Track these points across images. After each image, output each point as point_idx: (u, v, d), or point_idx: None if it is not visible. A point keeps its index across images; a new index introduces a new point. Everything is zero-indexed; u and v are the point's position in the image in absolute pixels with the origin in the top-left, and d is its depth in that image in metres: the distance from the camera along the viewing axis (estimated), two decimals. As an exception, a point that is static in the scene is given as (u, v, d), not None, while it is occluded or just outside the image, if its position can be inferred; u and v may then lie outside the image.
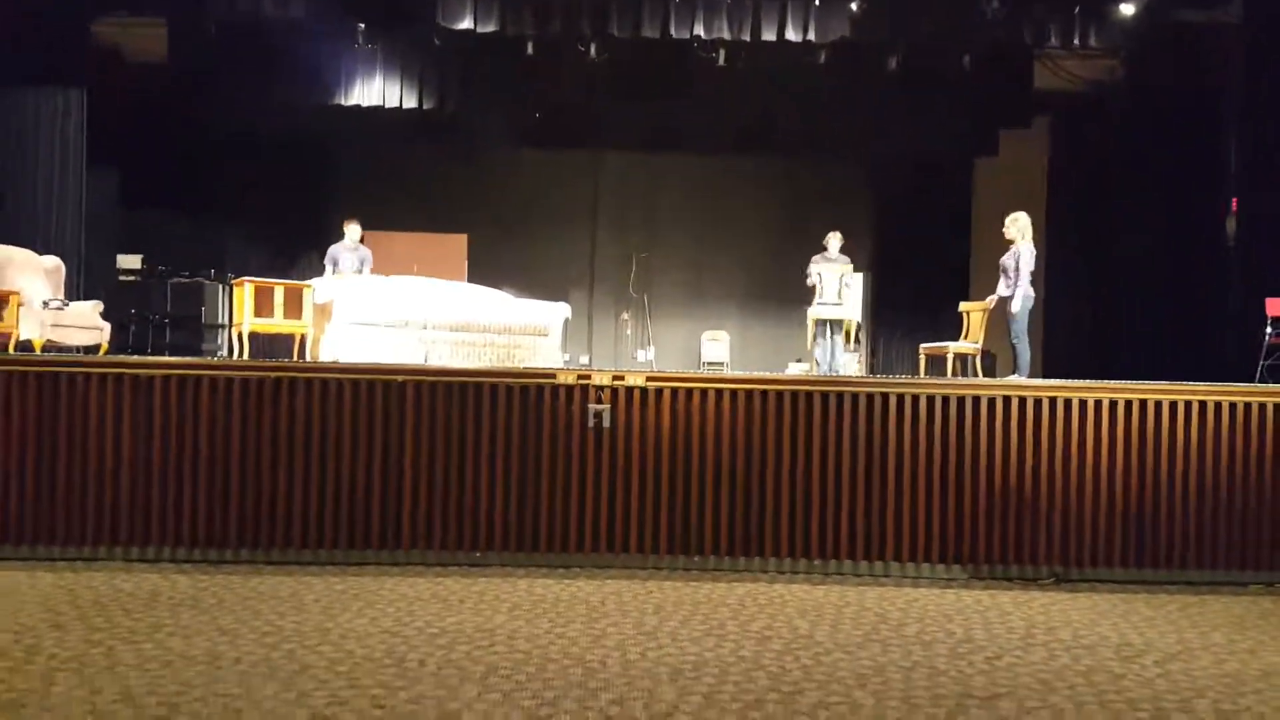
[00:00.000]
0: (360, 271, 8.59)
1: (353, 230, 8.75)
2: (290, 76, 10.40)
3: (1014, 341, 6.83)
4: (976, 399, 4.79)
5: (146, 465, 4.72)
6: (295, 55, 10.26)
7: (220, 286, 9.86)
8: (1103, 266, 11.02)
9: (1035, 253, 6.97)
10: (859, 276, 10.63)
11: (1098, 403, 4.76)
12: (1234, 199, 9.39)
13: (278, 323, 7.06)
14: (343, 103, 10.62)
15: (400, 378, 4.83)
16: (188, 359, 5.47)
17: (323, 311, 7.35)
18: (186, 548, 4.71)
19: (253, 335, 7.04)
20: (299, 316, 7.13)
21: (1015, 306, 6.80)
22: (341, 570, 4.60)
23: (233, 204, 11.26)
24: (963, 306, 7.79)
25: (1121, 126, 10.78)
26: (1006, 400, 4.78)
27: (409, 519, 4.77)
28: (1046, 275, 12.12)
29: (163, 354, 8.39)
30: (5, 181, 9.06)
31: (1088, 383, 4.89)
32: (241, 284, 7.10)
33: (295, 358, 7.05)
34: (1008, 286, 6.94)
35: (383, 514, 4.77)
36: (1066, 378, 5.47)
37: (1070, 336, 11.56)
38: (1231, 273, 9.18)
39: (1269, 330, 7.34)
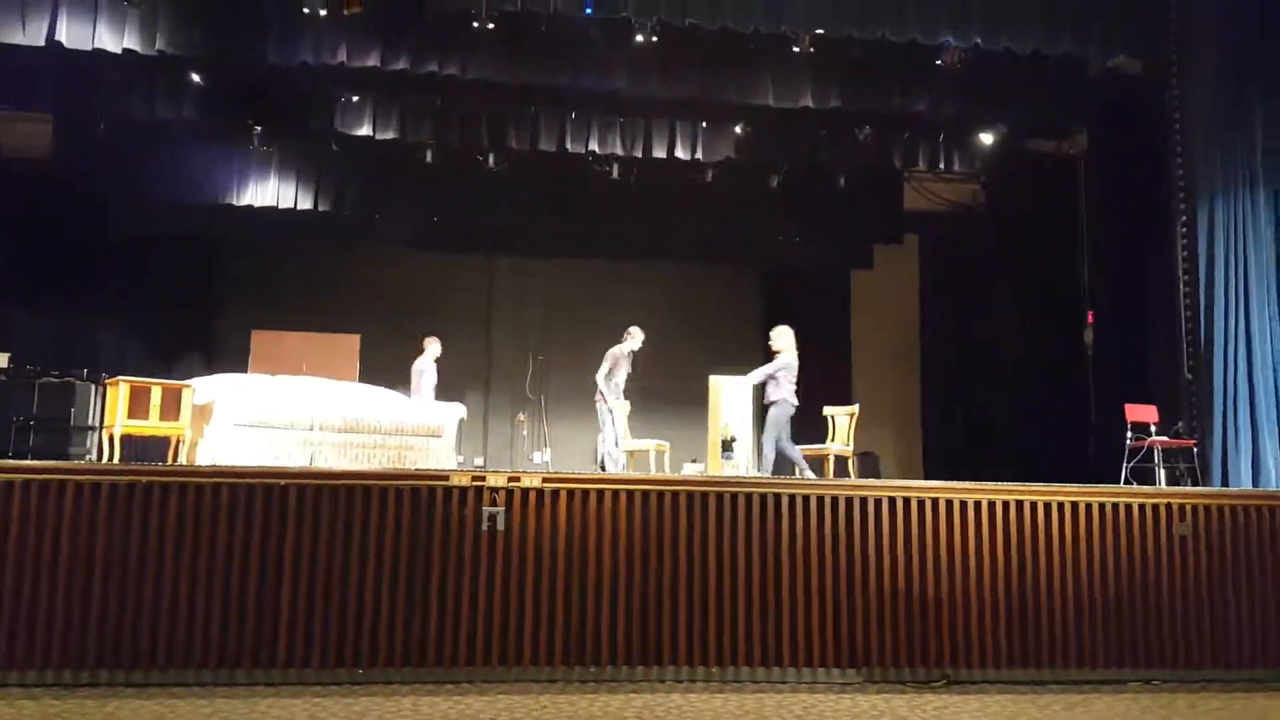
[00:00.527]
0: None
1: (434, 347, 9.11)
2: (181, 176, 10.19)
3: (763, 440, 7.28)
4: (864, 499, 4.92)
5: (-4, 579, 4.33)
6: (187, 155, 10.10)
7: (93, 387, 9.30)
8: (975, 374, 11.67)
9: (797, 364, 7.83)
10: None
11: (977, 504, 4.96)
12: (1090, 312, 10.15)
13: (153, 424, 6.70)
14: (235, 203, 10.43)
15: (282, 481, 4.63)
16: (49, 463, 5.09)
17: (202, 413, 7.02)
18: (38, 669, 4.32)
19: (125, 438, 6.65)
20: (176, 418, 6.79)
21: (775, 410, 7.54)
22: (209, 691, 4.28)
23: (112, 302, 10.76)
24: (826, 410, 8.08)
25: (985, 243, 11.64)
26: (891, 500, 4.93)
27: (286, 633, 4.50)
28: (921, 381, 12.77)
29: (25, 458, 7.80)
30: None
31: (969, 484, 5.10)
32: (115, 383, 6.74)
33: (170, 461, 6.68)
34: (775, 391, 7.78)
35: (257, 628, 4.49)
36: (940, 480, 5.69)
37: (945, 441, 12.08)
38: (1091, 380, 9.84)
39: (1130, 434, 7.84)
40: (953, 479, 5.42)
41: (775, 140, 10.21)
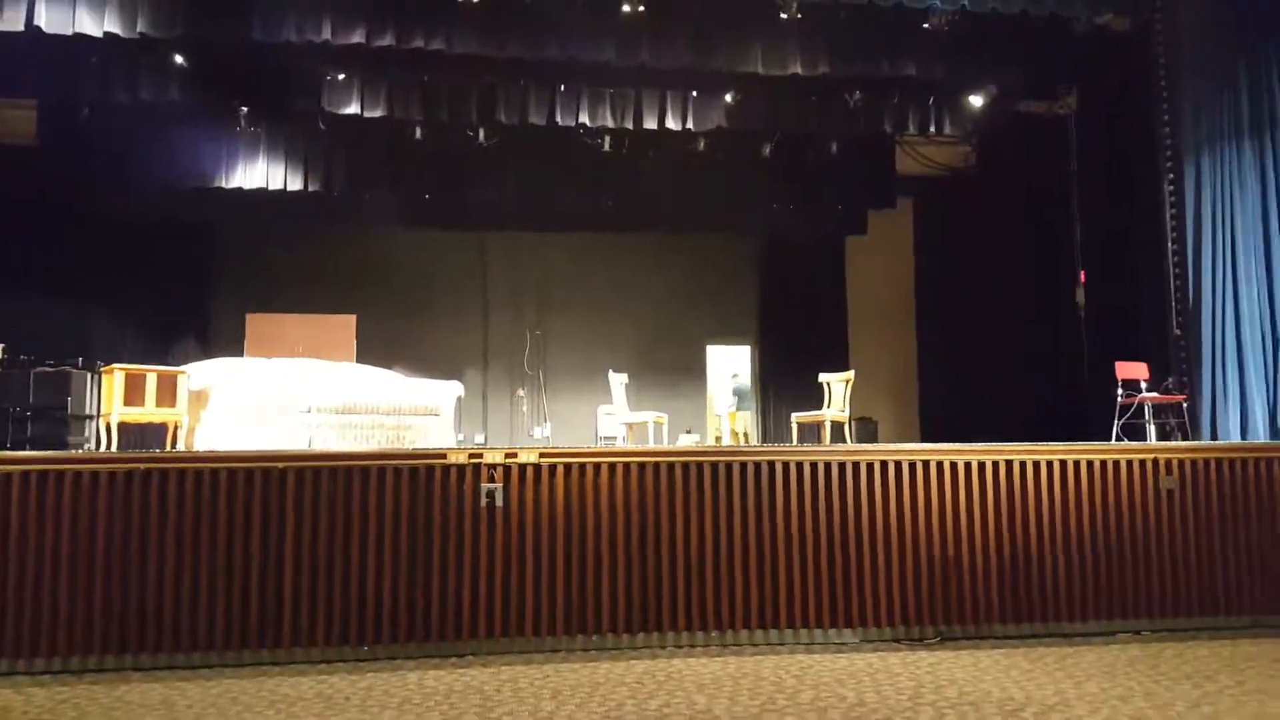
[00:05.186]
0: None
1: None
2: (168, 159, 10.17)
3: None
4: (856, 464, 4.98)
5: (1, 570, 4.39)
6: (173, 138, 10.07)
7: (89, 375, 9.34)
8: (969, 335, 11.72)
9: None
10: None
11: (968, 464, 5.02)
12: (1081, 271, 10.18)
13: (150, 411, 6.75)
14: (224, 185, 10.42)
15: (280, 465, 4.67)
16: (48, 453, 5.14)
17: (199, 399, 7.07)
18: (45, 657, 4.37)
19: (122, 426, 6.70)
20: (173, 405, 6.84)
21: None
22: (217, 672, 4.35)
23: (105, 289, 10.79)
24: (822, 377, 8.12)
25: (978, 205, 11.64)
26: (884, 464, 4.98)
27: (290, 614, 4.57)
28: (918, 345, 12.82)
29: (23, 448, 7.85)
30: None
31: (960, 445, 5.15)
32: (111, 371, 6.78)
33: (168, 448, 6.74)
34: None
35: (261, 610, 4.55)
36: (938, 442, 5.75)
37: (941, 403, 12.16)
38: (1084, 339, 9.89)
39: (1120, 392, 7.91)
40: (950, 440, 5.47)
41: (766, 108, 10.19)
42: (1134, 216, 8.93)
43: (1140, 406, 7.72)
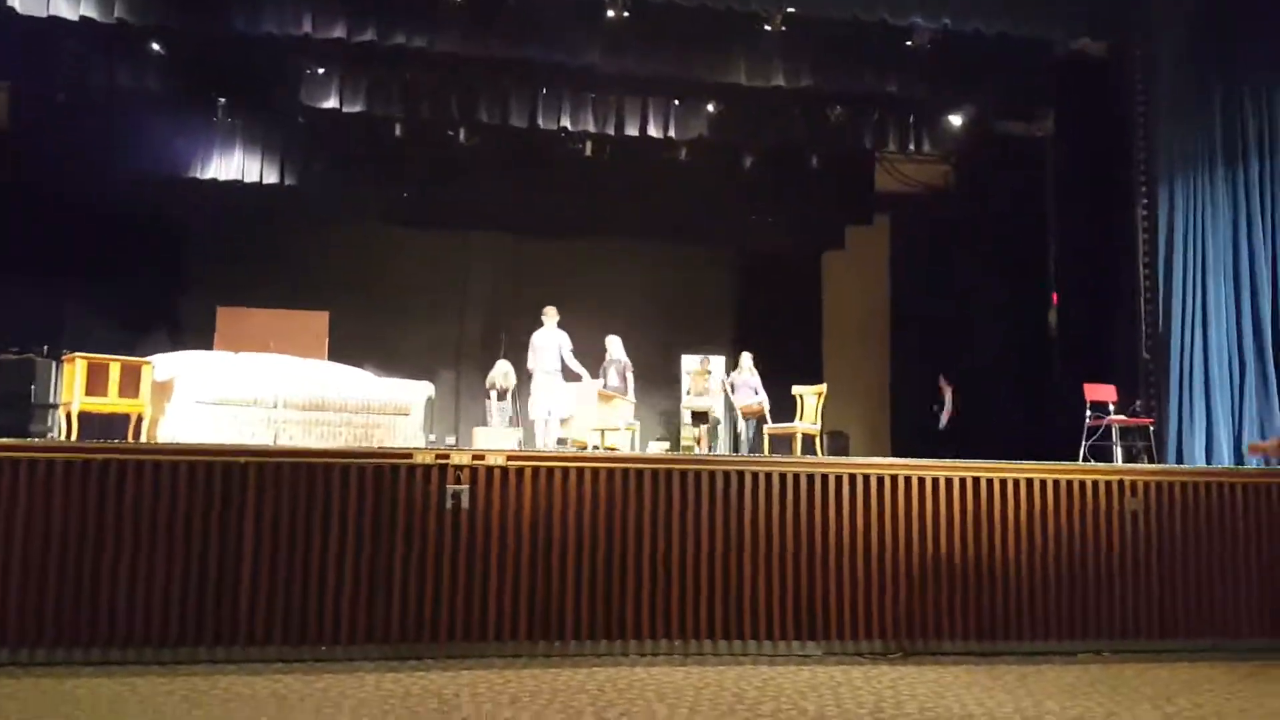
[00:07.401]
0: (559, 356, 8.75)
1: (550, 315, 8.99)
2: (143, 148, 10.02)
3: None
4: (825, 476, 4.97)
5: (-52, 558, 4.28)
6: (150, 127, 9.93)
7: (54, 363, 9.18)
8: (941, 353, 11.79)
9: None
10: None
11: (935, 480, 5.03)
12: (1054, 293, 10.28)
13: (111, 401, 6.63)
14: (199, 176, 10.29)
15: (243, 459, 4.59)
16: (5, 440, 5.02)
17: (163, 390, 6.96)
18: (-9, 648, 4.26)
19: (84, 415, 6.57)
20: (135, 395, 6.72)
21: None
22: (170, 670, 4.26)
23: (75, 277, 10.58)
24: (795, 390, 8.13)
25: (955, 225, 11.74)
26: (853, 478, 4.98)
27: (246, 612, 4.48)
28: (891, 362, 12.88)
29: (-21, 436, 7.66)
30: None
31: (929, 461, 5.16)
32: (72, 360, 6.65)
33: (130, 439, 6.61)
34: None
35: (217, 607, 4.46)
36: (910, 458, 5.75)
37: (913, 420, 12.21)
38: (1056, 360, 9.98)
39: (1089, 413, 7.98)
40: (920, 457, 5.48)
41: (748, 119, 10.22)
42: (1107, 240, 9.03)
43: (1108, 428, 7.79)
